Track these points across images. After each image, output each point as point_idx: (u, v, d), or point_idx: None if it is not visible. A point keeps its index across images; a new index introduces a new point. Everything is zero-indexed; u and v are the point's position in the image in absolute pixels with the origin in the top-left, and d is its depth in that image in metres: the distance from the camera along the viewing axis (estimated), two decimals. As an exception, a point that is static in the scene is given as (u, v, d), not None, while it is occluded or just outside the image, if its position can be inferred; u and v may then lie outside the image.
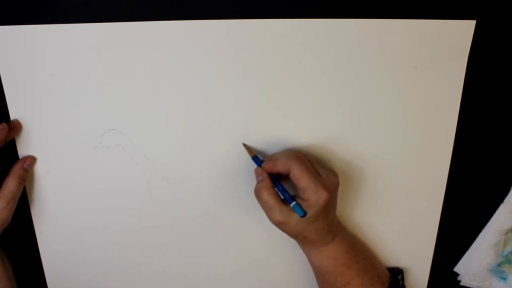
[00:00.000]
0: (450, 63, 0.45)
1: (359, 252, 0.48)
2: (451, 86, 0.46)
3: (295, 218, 0.42)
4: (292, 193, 0.43)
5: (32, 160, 0.46)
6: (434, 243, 0.53)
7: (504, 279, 0.53)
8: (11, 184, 0.44)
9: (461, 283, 0.55)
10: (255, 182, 0.46)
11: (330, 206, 0.42)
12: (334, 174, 0.44)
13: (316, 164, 0.43)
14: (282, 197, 0.43)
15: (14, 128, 0.44)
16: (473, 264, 0.53)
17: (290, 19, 0.42)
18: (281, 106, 0.46)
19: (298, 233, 0.44)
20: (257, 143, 0.47)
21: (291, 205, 0.42)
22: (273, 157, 0.44)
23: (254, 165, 0.47)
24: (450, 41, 0.44)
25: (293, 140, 0.48)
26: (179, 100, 0.45)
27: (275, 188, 0.43)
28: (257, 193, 0.43)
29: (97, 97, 0.45)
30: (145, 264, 0.53)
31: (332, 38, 0.43)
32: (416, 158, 0.49)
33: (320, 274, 0.48)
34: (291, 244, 0.50)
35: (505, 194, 0.50)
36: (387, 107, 0.47)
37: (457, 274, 0.55)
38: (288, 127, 0.47)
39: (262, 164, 0.44)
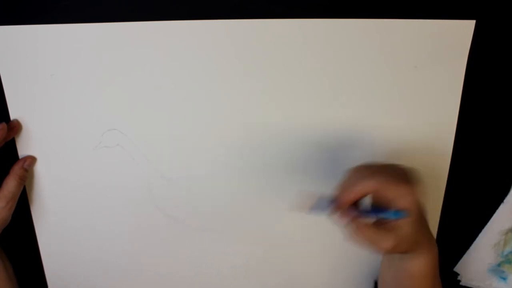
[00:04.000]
0: (450, 63, 0.45)
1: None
2: (451, 86, 0.46)
3: (401, 233, 0.36)
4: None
5: (32, 160, 0.46)
6: (434, 243, 0.53)
7: (504, 279, 0.53)
8: (11, 184, 0.44)
9: (461, 283, 0.55)
10: (255, 182, 0.46)
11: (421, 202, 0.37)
12: (409, 170, 0.38)
13: (384, 166, 0.38)
14: (376, 217, 0.38)
15: (14, 128, 0.44)
16: (473, 264, 0.53)
17: (290, 19, 0.42)
18: (281, 106, 0.46)
19: (408, 244, 0.37)
20: (258, 143, 0.47)
21: (391, 212, 0.37)
22: (344, 187, 0.38)
23: (256, 164, 0.47)
24: (450, 41, 0.44)
25: (293, 139, 0.47)
26: (179, 100, 0.45)
27: (363, 217, 0.38)
28: (354, 237, 0.37)
29: (97, 97, 0.45)
30: (145, 264, 0.53)
31: (332, 38, 0.43)
32: (416, 158, 0.49)
33: (415, 278, 0.40)
34: (292, 245, 0.50)
35: (505, 194, 0.50)
36: (387, 107, 0.47)
37: (457, 274, 0.55)
38: (288, 127, 0.47)
39: (337, 201, 0.38)
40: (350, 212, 0.37)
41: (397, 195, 0.36)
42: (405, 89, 0.46)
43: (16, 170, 0.45)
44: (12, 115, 0.44)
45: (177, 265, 0.53)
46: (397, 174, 0.37)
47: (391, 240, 0.36)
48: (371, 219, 0.39)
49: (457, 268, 0.54)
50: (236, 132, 0.47)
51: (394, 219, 0.37)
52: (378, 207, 0.38)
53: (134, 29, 0.42)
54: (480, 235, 0.52)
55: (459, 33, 0.44)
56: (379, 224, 0.38)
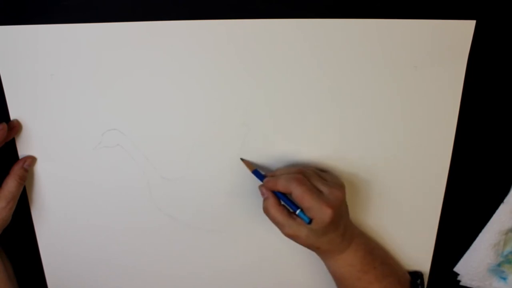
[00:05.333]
0: (450, 63, 0.45)
1: (377, 257, 0.48)
2: (451, 86, 0.46)
3: (304, 231, 0.43)
4: None
5: (32, 160, 0.46)
6: (434, 243, 0.53)
7: (504, 279, 0.53)
8: (11, 184, 0.44)
9: (461, 283, 0.55)
10: (255, 181, 0.46)
11: (338, 219, 0.43)
12: (338, 187, 0.44)
13: (318, 181, 0.43)
14: (291, 209, 0.44)
15: (14, 128, 0.44)
16: (473, 264, 0.53)
17: (290, 19, 0.42)
18: (281, 106, 0.46)
19: (310, 245, 0.45)
20: (257, 143, 0.47)
21: (296, 212, 0.43)
22: (275, 175, 0.45)
23: (256, 165, 0.47)
24: (450, 41, 0.44)
25: (292, 139, 0.48)
26: (179, 100, 0.45)
27: (282, 202, 0.44)
28: (265, 211, 0.45)
29: (97, 97, 0.45)
30: (145, 264, 0.53)
31: (332, 38, 0.43)
32: (416, 158, 0.49)
33: (337, 280, 0.48)
34: (291, 245, 0.50)
35: (505, 194, 0.50)
36: (387, 107, 0.47)
37: (457, 274, 0.55)
38: (288, 127, 0.47)
39: (264, 182, 0.45)
40: (267, 192, 0.44)
41: (308, 207, 0.42)
42: (405, 89, 0.46)
43: (16, 170, 0.45)
44: (12, 115, 0.44)
45: (177, 265, 0.53)
46: (324, 190, 0.43)
47: (291, 230, 0.43)
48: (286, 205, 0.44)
49: (457, 268, 0.54)
50: (236, 132, 0.47)
51: (299, 217, 0.43)
52: (293, 202, 0.43)
53: (134, 29, 0.42)
54: (480, 235, 0.52)
55: (459, 33, 0.44)
56: (293, 213, 0.44)
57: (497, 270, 0.53)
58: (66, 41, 0.42)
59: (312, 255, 0.48)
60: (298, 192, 0.42)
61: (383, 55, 0.44)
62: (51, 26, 0.41)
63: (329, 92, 0.46)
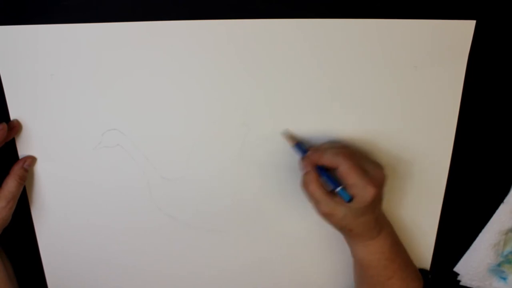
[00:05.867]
0: (450, 63, 0.45)
1: (401, 247, 0.48)
2: (451, 86, 0.46)
3: (341, 210, 0.42)
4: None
5: (32, 160, 0.46)
6: (434, 243, 0.53)
7: (504, 279, 0.53)
8: (11, 184, 0.44)
9: (461, 283, 0.55)
10: (254, 181, 0.46)
11: (377, 201, 0.42)
12: (381, 168, 0.43)
13: (362, 159, 0.42)
14: (330, 187, 0.43)
15: (14, 128, 0.44)
16: (473, 264, 0.53)
17: (290, 19, 0.42)
18: (281, 106, 0.46)
19: (344, 226, 0.43)
20: (257, 143, 0.47)
21: (337, 190, 0.42)
22: (320, 149, 0.43)
23: (254, 166, 0.47)
24: (450, 41, 0.44)
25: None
26: (179, 100, 0.45)
27: (321, 179, 0.43)
28: (304, 186, 0.43)
29: (97, 97, 0.45)
30: (145, 264, 0.53)
31: (332, 38, 0.43)
32: (416, 158, 0.49)
33: (363, 267, 0.47)
34: (291, 245, 0.50)
35: (505, 194, 0.50)
36: (386, 107, 0.47)
37: (457, 274, 0.55)
38: (288, 126, 0.47)
39: (308, 154, 0.43)
40: (309, 166, 0.43)
41: (352, 184, 0.41)
42: (405, 89, 0.46)
43: (16, 170, 0.45)
44: (12, 115, 0.44)
45: (177, 265, 0.53)
46: (368, 168, 0.41)
47: (328, 208, 0.42)
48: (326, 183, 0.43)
49: (457, 268, 0.55)
50: (236, 132, 0.47)
51: (339, 195, 0.42)
52: (336, 177, 0.42)
53: (134, 29, 0.42)
54: (480, 235, 0.52)
55: (459, 33, 0.44)
56: (332, 191, 0.42)
57: (497, 270, 0.53)
58: (66, 41, 0.42)
59: (312, 255, 0.48)
60: (345, 167, 0.40)
61: (383, 55, 0.44)
62: (51, 26, 0.41)
63: (329, 92, 0.46)
